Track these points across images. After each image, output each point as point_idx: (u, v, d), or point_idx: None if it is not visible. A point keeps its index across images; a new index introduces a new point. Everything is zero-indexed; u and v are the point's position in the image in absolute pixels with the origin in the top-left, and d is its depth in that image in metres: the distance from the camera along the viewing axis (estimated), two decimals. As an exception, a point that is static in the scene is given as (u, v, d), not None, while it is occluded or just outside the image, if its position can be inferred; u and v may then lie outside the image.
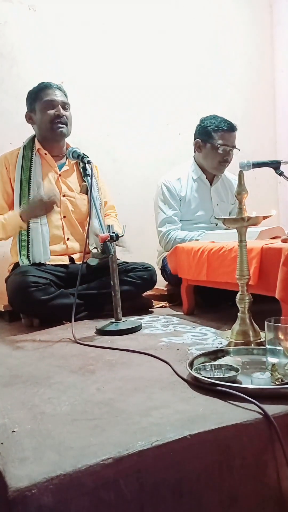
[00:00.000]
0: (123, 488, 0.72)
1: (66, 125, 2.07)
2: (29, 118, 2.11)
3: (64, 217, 2.08)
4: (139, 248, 2.61)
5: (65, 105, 2.07)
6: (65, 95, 2.10)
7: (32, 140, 2.11)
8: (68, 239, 2.08)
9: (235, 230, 1.41)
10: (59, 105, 2.04)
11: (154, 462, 0.75)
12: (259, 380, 1.00)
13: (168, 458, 0.76)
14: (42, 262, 1.97)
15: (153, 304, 2.14)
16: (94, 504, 0.70)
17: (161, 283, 2.29)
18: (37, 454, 0.76)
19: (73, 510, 0.69)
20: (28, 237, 1.97)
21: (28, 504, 0.66)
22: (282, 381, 1.00)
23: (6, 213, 2.00)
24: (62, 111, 2.04)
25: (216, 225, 2.32)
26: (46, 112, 2.04)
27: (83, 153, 1.84)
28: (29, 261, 1.95)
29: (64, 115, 2.05)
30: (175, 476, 0.77)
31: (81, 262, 1.83)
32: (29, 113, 2.10)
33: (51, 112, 2.03)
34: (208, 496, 0.79)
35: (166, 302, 2.21)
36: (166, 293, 2.26)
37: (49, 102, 2.03)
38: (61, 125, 2.05)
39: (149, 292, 2.17)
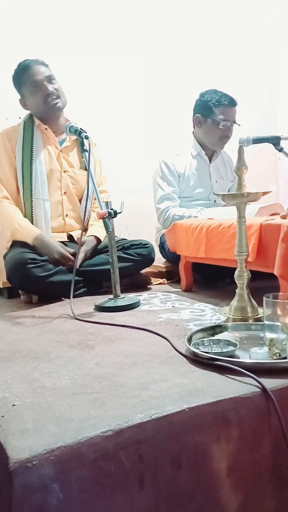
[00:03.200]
0: (122, 459, 0.74)
1: (59, 97, 2.03)
2: (24, 104, 2.08)
3: (65, 193, 2.07)
4: (137, 226, 2.60)
5: (50, 79, 2.01)
6: (46, 66, 2.03)
7: (31, 115, 2.08)
8: (67, 215, 2.07)
9: (234, 207, 1.40)
10: (44, 82, 1.99)
11: (153, 434, 0.76)
12: (257, 354, 1.01)
13: (167, 430, 0.78)
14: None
15: (152, 281, 2.15)
16: (94, 474, 0.71)
17: (159, 260, 2.29)
18: (37, 426, 0.77)
19: (73, 480, 0.70)
20: (32, 213, 1.96)
21: (29, 475, 0.67)
22: (279, 356, 1.01)
23: (22, 219, 1.95)
24: (49, 87, 1.99)
25: (215, 202, 2.31)
26: (36, 96, 2.00)
27: (80, 128, 1.82)
28: None
29: (53, 90, 2.00)
30: (174, 448, 0.78)
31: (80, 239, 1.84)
32: (22, 99, 2.06)
33: (40, 93, 1.99)
34: (206, 466, 0.80)
35: (164, 279, 2.22)
36: (164, 270, 2.27)
37: (34, 84, 1.98)
38: (55, 101, 2.01)
39: (147, 269, 2.18)
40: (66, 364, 1.09)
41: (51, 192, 2.03)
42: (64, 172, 2.07)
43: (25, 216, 1.98)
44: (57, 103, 2.02)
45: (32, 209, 1.97)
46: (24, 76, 1.99)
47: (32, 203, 1.97)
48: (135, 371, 1.01)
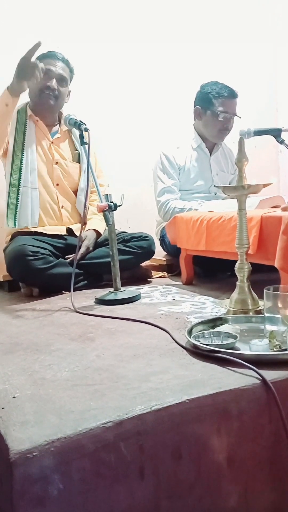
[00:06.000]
0: (123, 450, 0.74)
1: (57, 98, 2.01)
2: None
3: (57, 184, 2.07)
4: (138, 219, 2.60)
5: (61, 79, 2.00)
6: (70, 70, 2.03)
7: (25, 106, 2.06)
8: (62, 206, 2.07)
9: (234, 200, 1.39)
10: (55, 78, 1.98)
11: (154, 425, 0.77)
12: (257, 346, 1.01)
13: (167, 422, 0.78)
14: (29, 226, 1.97)
15: (152, 274, 2.15)
16: (95, 465, 0.72)
17: (160, 254, 2.28)
18: (38, 418, 0.77)
19: (74, 471, 0.70)
20: (17, 200, 1.95)
21: (30, 466, 0.68)
22: (280, 348, 1.01)
23: None
24: (54, 83, 1.98)
25: (215, 194, 2.30)
26: (38, 81, 1.95)
27: (80, 120, 1.81)
28: (15, 224, 1.94)
29: (55, 89, 1.99)
30: (174, 439, 0.78)
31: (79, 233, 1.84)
32: None
33: (42, 82, 1.94)
34: (206, 458, 0.81)
35: (165, 272, 2.22)
36: (165, 263, 2.27)
37: (44, 71, 1.94)
38: (49, 97, 2.00)
39: (148, 263, 2.17)
40: (66, 356, 1.09)
41: (44, 183, 2.02)
42: (56, 163, 2.07)
43: (8, 204, 1.95)
44: (50, 100, 2.01)
45: (18, 197, 1.95)
46: (43, 61, 1.87)
47: (19, 190, 1.95)
48: (135, 363, 1.01)
